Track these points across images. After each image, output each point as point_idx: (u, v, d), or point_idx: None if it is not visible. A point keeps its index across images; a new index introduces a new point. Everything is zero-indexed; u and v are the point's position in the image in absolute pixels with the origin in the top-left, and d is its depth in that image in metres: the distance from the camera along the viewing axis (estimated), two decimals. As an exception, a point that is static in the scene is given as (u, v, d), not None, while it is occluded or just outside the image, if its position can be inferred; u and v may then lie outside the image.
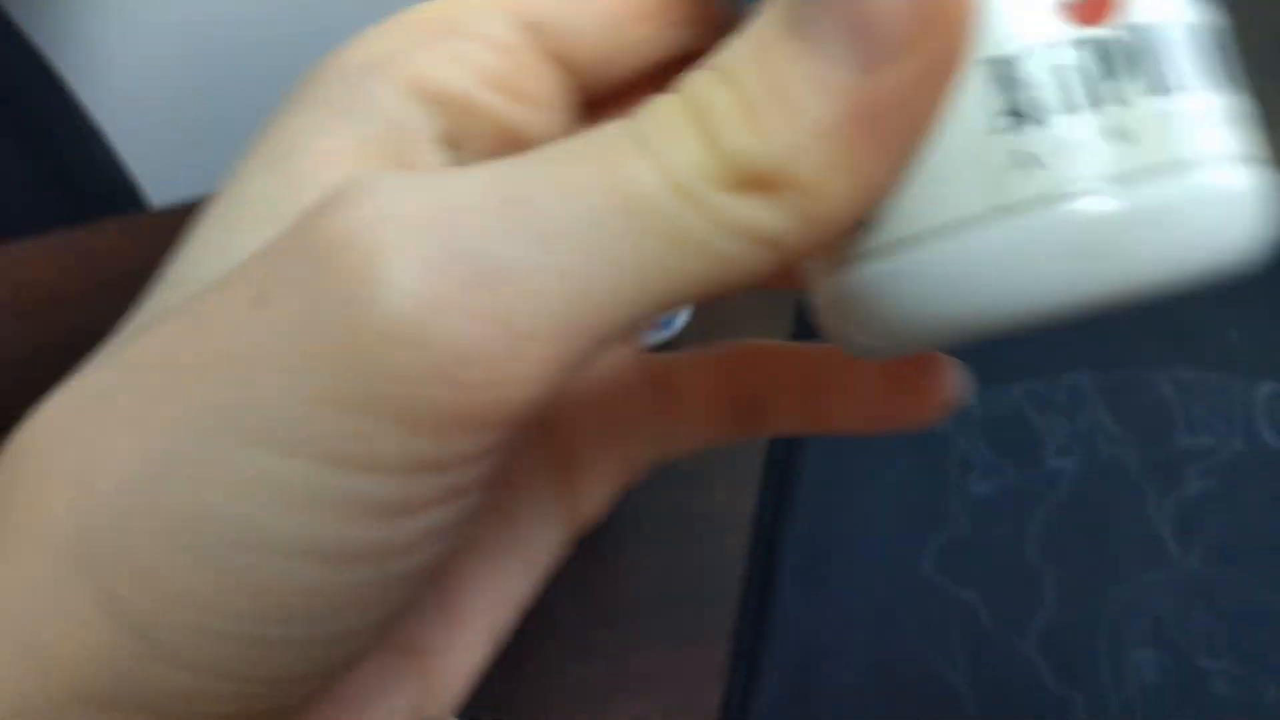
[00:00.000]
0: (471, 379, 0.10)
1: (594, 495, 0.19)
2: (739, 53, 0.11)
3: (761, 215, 0.11)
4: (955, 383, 0.18)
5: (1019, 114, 0.12)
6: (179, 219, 0.50)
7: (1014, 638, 0.33)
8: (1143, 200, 0.12)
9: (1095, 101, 0.12)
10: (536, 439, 0.18)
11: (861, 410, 0.19)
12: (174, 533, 0.11)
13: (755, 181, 0.11)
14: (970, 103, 0.12)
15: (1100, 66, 0.12)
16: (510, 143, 0.14)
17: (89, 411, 0.12)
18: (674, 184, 0.11)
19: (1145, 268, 0.13)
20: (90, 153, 0.64)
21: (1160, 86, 0.13)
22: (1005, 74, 0.12)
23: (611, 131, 0.11)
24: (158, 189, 0.67)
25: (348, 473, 0.11)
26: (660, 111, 0.11)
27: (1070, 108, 0.12)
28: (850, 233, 0.13)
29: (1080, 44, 0.12)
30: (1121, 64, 0.12)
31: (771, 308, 0.44)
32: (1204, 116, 0.13)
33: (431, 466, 0.11)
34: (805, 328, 0.42)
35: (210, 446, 0.11)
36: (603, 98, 0.15)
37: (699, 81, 0.11)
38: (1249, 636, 0.33)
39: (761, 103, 0.11)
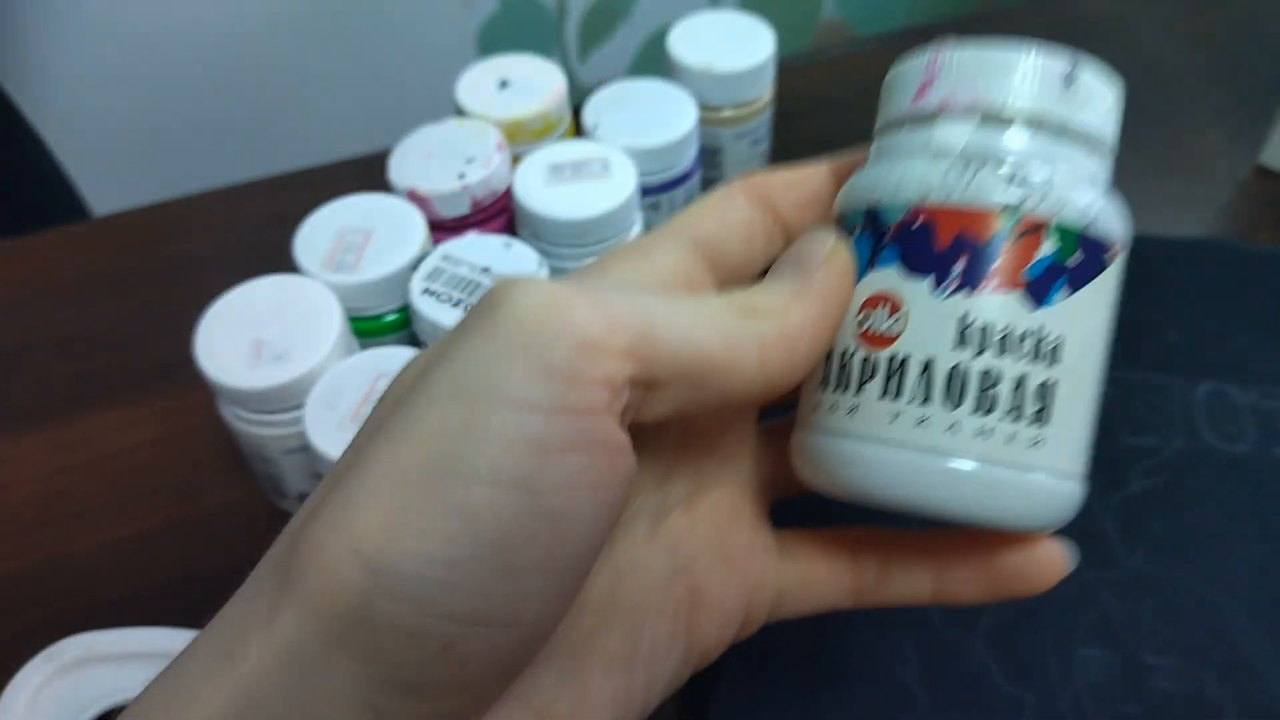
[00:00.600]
0: (582, 348, 0.17)
1: (714, 635, 0.23)
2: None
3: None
4: (1053, 564, 0.23)
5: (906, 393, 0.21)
6: (121, 227, 0.49)
7: (964, 636, 0.33)
8: (981, 475, 0.20)
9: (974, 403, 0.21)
10: (672, 578, 0.23)
11: (977, 584, 0.24)
12: (440, 484, 0.16)
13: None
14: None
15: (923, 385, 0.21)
16: None
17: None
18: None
19: (967, 506, 0.21)
20: (32, 162, 0.63)
21: (982, 408, 0.21)
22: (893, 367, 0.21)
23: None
24: (100, 198, 0.66)
25: (521, 413, 0.16)
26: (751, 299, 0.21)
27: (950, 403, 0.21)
28: (818, 410, 0.22)
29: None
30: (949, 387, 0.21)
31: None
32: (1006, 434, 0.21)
33: (566, 409, 0.16)
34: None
35: (462, 418, 0.16)
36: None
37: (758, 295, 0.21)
38: (1191, 632, 0.33)
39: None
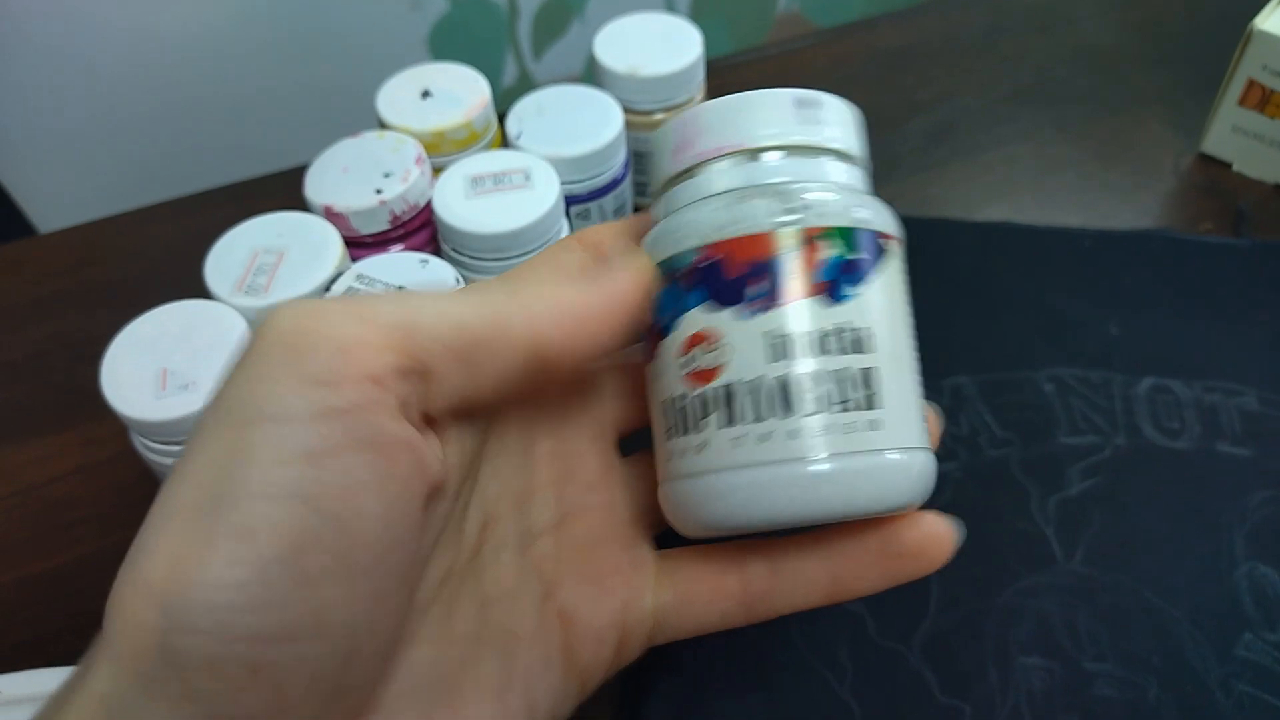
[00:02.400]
0: (337, 351, 0.17)
1: (590, 658, 0.23)
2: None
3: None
4: (942, 537, 0.25)
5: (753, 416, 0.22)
6: (44, 250, 0.48)
7: (900, 647, 0.33)
8: (834, 470, 0.22)
9: (820, 406, 0.22)
10: (540, 603, 0.23)
11: (871, 569, 0.25)
12: (216, 509, 0.16)
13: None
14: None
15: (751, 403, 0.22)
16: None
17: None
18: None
19: (831, 503, 0.22)
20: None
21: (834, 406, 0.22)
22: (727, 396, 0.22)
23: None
24: (44, 215, 0.65)
25: (286, 425, 0.16)
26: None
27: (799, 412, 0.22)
28: (670, 459, 0.23)
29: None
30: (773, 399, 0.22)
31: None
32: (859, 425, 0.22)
33: (330, 413, 0.16)
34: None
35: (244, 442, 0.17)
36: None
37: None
38: (1131, 636, 0.33)
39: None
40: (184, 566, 0.16)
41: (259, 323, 0.18)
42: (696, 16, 0.76)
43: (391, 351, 0.18)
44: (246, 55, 0.64)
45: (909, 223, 0.46)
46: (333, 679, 0.17)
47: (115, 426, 0.39)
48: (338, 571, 0.17)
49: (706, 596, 0.25)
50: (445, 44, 0.74)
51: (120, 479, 0.38)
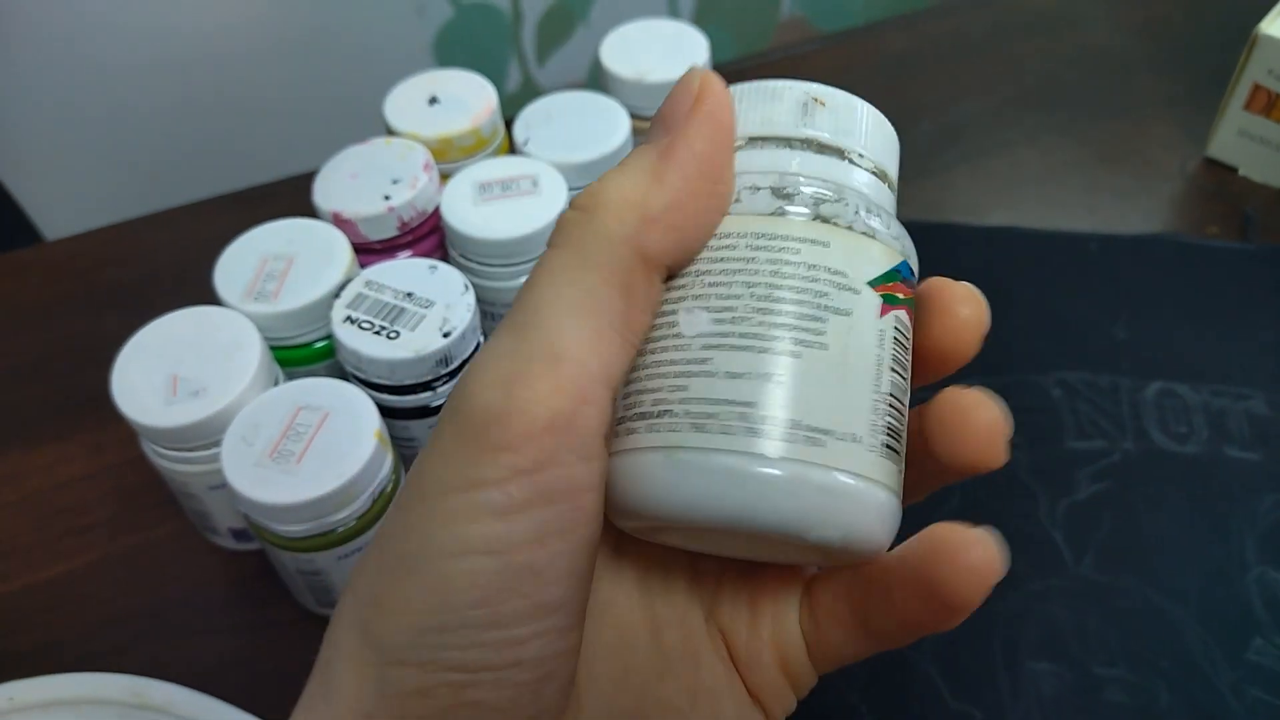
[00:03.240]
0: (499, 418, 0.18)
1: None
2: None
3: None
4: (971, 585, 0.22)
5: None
6: (52, 256, 0.48)
7: (910, 653, 0.33)
8: (784, 479, 0.19)
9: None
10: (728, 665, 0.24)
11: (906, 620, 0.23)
12: (414, 564, 0.18)
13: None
14: None
15: None
16: None
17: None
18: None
19: (776, 519, 0.19)
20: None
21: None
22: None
23: None
24: (51, 222, 0.65)
25: (479, 490, 0.18)
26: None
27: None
28: (618, 435, 0.21)
29: None
30: None
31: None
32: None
33: (516, 474, 0.18)
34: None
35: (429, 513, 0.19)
36: None
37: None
38: (1141, 641, 0.33)
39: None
40: (387, 613, 0.19)
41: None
42: (699, 22, 0.76)
43: (562, 395, 0.19)
44: (252, 61, 0.65)
45: (915, 227, 0.46)
46: (532, 697, 0.19)
47: (123, 432, 0.39)
48: (530, 613, 0.18)
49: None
50: (450, 50, 0.74)
51: (128, 484, 0.38)
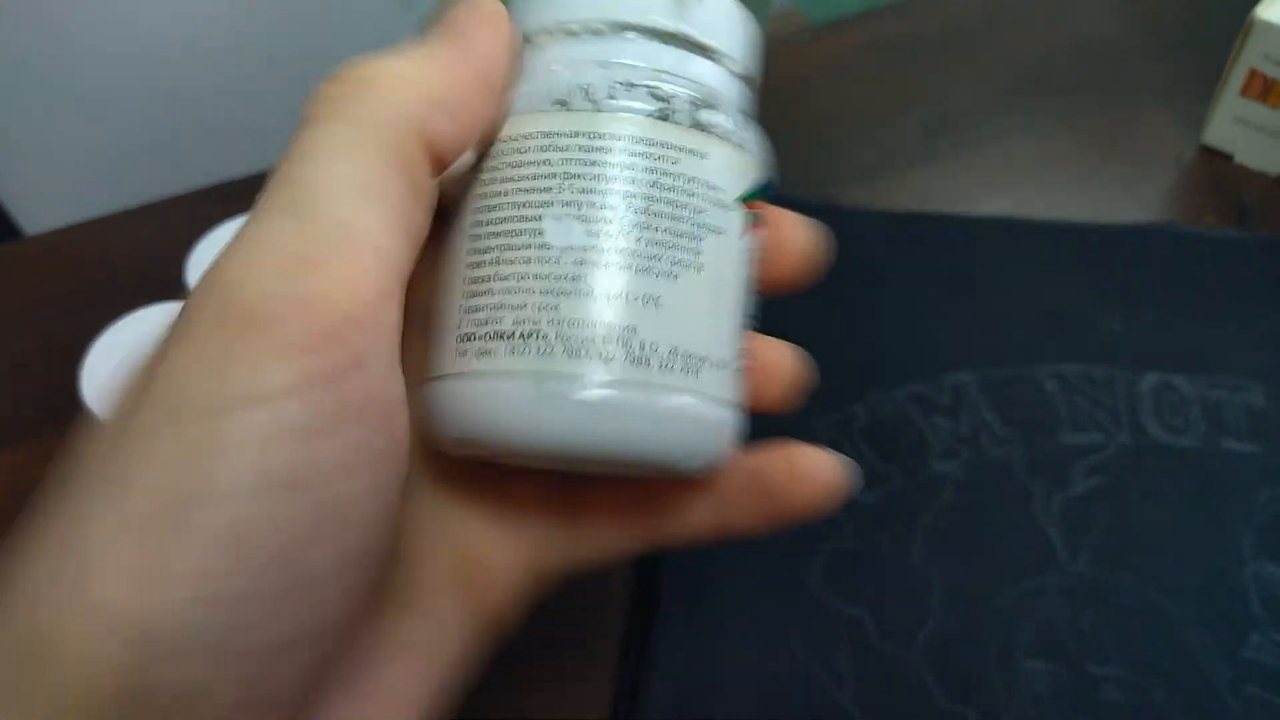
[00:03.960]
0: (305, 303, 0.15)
1: (504, 601, 0.22)
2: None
3: None
4: (824, 482, 0.21)
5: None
6: (30, 251, 0.47)
7: (902, 652, 0.32)
8: (669, 411, 0.18)
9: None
10: (439, 548, 0.21)
11: (750, 516, 0.22)
12: (188, 513, 0.14)
13: None
14: None
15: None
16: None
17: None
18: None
19: (657, 451, 0.18)
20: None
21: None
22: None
23: None
24: (29, 216, 0.64)
25: (269, 403, 0.14)
26: None
27: None
28: (439, 360, 0.19)
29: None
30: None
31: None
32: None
33: (319, 382, 0.14)
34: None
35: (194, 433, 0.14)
36: None
37: None
38: (1138, 639, 0.32)
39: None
40: (155, 587, 0.13)
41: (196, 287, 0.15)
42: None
43: (366, 284, 0.15)
44: (235, 54, 0.64)
45: (909, 218, 0.46)
46: (315, 674, 0.15)
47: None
48: (337, 567, 0.15)
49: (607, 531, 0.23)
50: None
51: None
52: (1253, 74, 0.44)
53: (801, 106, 0.51)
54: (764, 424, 0.31)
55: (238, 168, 0.51)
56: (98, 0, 0.57)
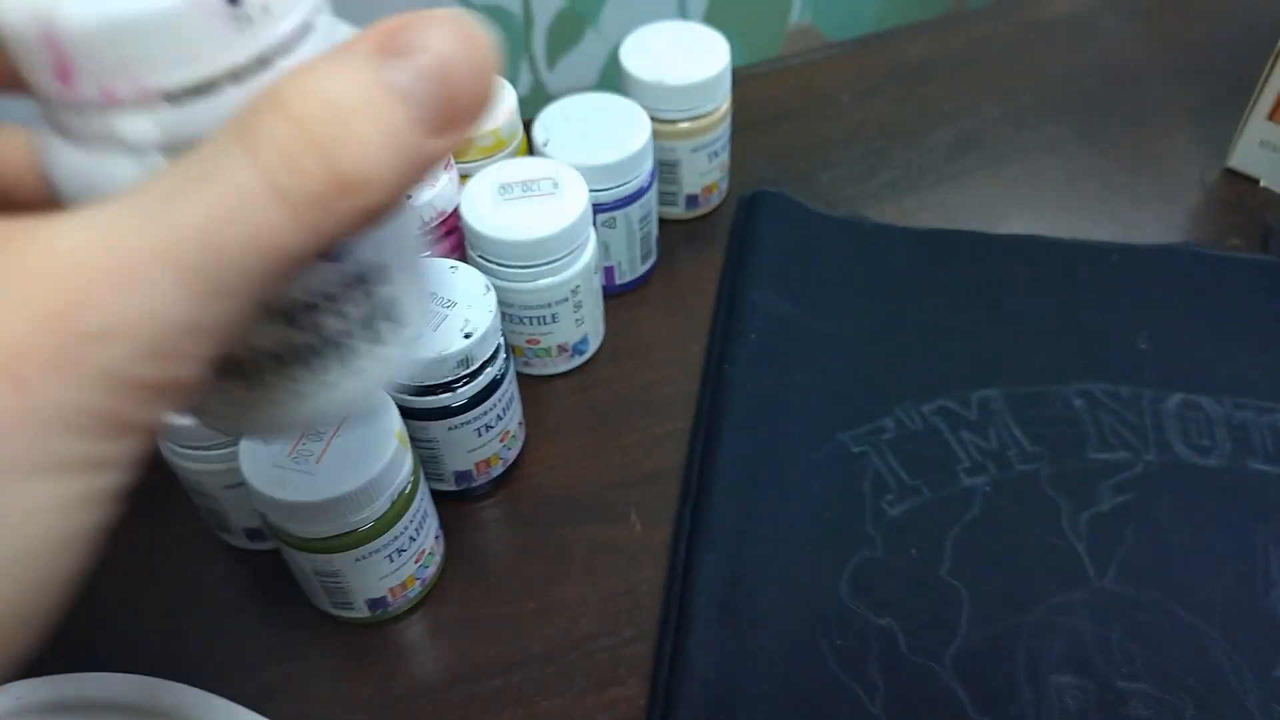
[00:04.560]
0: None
1: None
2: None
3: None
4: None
5: None
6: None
7: (932, 664, 0.32)
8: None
9: None
10: None
11: None
12: None
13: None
14: None
15: None
16: None
17: None
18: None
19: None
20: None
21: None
22: None
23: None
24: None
25: None
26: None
27: None
28: None
29: None
30: None
31: (682, 332, 0.43)
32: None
33: None
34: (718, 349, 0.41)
35: None
36: None
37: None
38: (1166, 655, 0.32)
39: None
40: None
41: None
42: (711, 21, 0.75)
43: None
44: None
45: (935, 235, 0.46)
46: None
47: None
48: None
49: None
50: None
51: (143, 482, 0.38)
52: None
53: (829, 124, 0.51)
54: (779, 440, 0.31)
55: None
56: None
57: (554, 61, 0.80)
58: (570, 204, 0.36)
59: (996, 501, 0.36)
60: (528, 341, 0.39)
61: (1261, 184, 0.47)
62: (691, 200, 0.46)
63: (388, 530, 0.30)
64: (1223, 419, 0.38)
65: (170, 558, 0.36)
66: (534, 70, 0.77)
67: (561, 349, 0.40)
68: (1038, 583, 0.34)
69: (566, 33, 0.77)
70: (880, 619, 0.33)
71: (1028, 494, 0.36)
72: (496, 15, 0.72)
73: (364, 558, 0.30)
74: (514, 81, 0.76)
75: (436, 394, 0.32)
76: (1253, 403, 0.39)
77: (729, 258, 0.45)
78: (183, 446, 0.32)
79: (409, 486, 0.31)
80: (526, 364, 0.40)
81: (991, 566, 0.34)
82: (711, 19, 0.76)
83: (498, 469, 0.37)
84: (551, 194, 0.37)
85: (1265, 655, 0.32)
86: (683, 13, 0.77)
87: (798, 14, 0.81)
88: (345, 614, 0.33)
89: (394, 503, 0.30)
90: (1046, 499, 0.36)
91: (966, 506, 0.36)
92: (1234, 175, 0.48)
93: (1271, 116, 0.45)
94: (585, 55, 0.82)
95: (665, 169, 0.44)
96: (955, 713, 0.31)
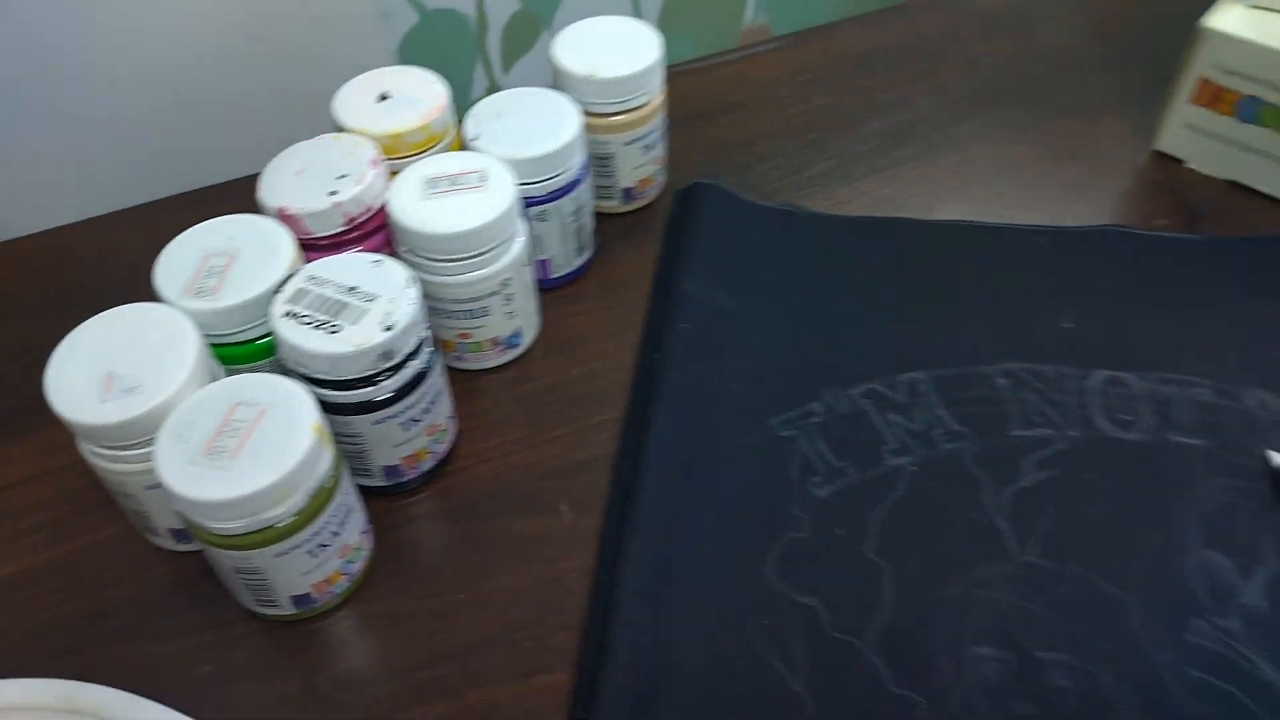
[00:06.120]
0: None
1: None
2: None
3: None
4: None
5: None
6: (22, 252, 0.47)
7: (854, 640, 0.33)
8: None
9: None
10: None
11: None
12: None
13: None
14: None
15: None
16: None
17: None
18: None
19: None
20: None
21: None
22: None
23: None
24: (3, 221, 0.65)
25: None
26: None
27: None
28: None
29: None
30: None
31: (617, 324, 0.43)
32: None
33: None
34: (652, 342, 0.42)
35: None
36: None
37: None
38: (1085, 625, 0.33)
39: None
40: None
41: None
42: (663, 28, 0.76)
43: None
44: (214, 66, 0.64)
45: (867, 222, 0.47)
46: None
47: (68, 434, 0.39)
48: None
49: None
50: (415, 55, 0.74)
51: (72, 487, 0.38)
52: (1202, 82, 0.46)
53: (766, 118, 0.52)
54: (709, 426, 0.31)
55: (217, 178, 0.51)
56: (64, 11, 0.57)
57: (509, 65, 0.80)
58: (497, 196, 0.37)
59: (921, 481, 0.37)
60: (459, 336, 0.39)
61: (1187, 165, 0.48)
62: (628, 193, 0.46)
63: (307, 525, 0.31)
64: (1146, 394, 0.39)
65: (100, 562, 0.36)
66: (489, 73, 0.78)
67: (494, 343, 0.40)
68: (960, 558, 0.35)
69: (521, 35, 0.77)
70: (805, 598, 0.34)
71: (952, 473, 0.37)
72: (450, 19, 0.72)
73: (284, 554, 0.31)
74: (469, 85, 0.76)
75: (358, 388, 0.33)
76: (1176, 377, 0.39)
77: (664, 249, 0.45)
78: (103, 448, 0.32)
79: (329, 481, 0.31)
80: (459, 358, 0.40)
81: (915, 544, 0.35)
82: (666, 19, 0.77)
83: (428, 463, 0.37)
84: (479, 187, 0.37)
85: (1179, 621, 0.33)
86: (637, 14, 0.77)
87: (751, 14, 0.82)
88: (270, 612, 0.33)
89: (313, 498, 0.30)
90: (970, 477, 0.37)
91: (892, 486, 0.37)
92: (1162, 158, 0.49)
93: (1194, 99, 0.46)
94: (540, 58, 0.82)
95: (600, 162, 0.45)
96: (876, 686, 0.32)
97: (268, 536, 0.30)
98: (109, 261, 0.47)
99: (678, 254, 0.44)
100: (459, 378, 0.40)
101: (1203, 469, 0.37)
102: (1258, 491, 0.36)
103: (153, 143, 0.65)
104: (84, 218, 0.49)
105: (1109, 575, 0.34)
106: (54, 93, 0.60)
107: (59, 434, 0.39)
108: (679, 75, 0.54)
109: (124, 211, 0.49)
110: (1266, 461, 0.37)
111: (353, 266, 0.34)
